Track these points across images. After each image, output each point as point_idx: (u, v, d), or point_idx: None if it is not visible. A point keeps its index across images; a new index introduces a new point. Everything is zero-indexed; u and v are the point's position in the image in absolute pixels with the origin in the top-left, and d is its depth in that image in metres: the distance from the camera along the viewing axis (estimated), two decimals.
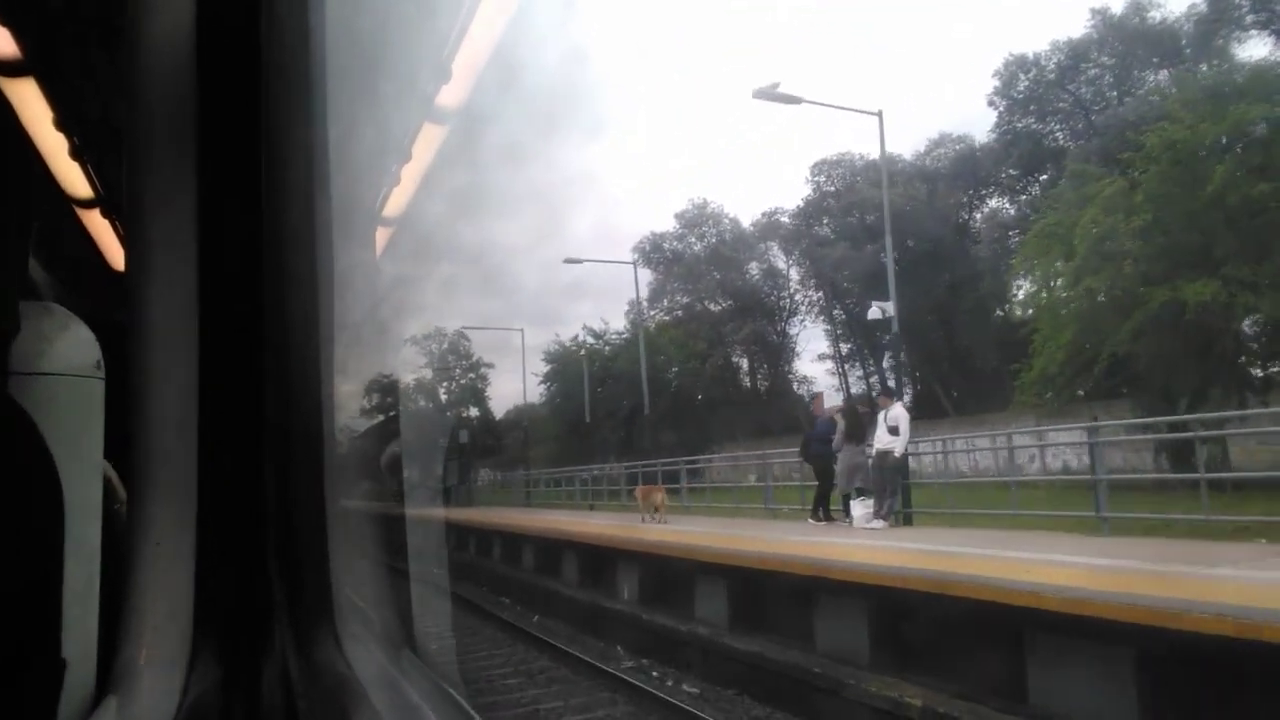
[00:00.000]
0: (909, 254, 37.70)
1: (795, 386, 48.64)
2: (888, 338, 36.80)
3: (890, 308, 16.86)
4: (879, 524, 11.52)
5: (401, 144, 3.07)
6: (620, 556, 11.82)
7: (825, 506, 13.38)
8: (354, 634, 1.41)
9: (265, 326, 1.26)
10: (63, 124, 3.03)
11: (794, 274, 47.78)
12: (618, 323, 46.65)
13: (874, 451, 11.88)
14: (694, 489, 23.89)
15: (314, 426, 1.36)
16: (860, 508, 12.03)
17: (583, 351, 44.69)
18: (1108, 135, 27.86)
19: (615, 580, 11.84)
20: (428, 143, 3.14)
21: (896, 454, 11.78)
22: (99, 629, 1.14)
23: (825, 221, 43.46)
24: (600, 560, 12.52)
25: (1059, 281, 20.65)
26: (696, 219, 49.17)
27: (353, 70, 1.77)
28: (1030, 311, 24.72)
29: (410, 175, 3.19)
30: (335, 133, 1.39)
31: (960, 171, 39.22)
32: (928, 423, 28.37)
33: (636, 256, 47.02)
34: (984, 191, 40.25)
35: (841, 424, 13.03)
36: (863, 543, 9.85)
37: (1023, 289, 27.89)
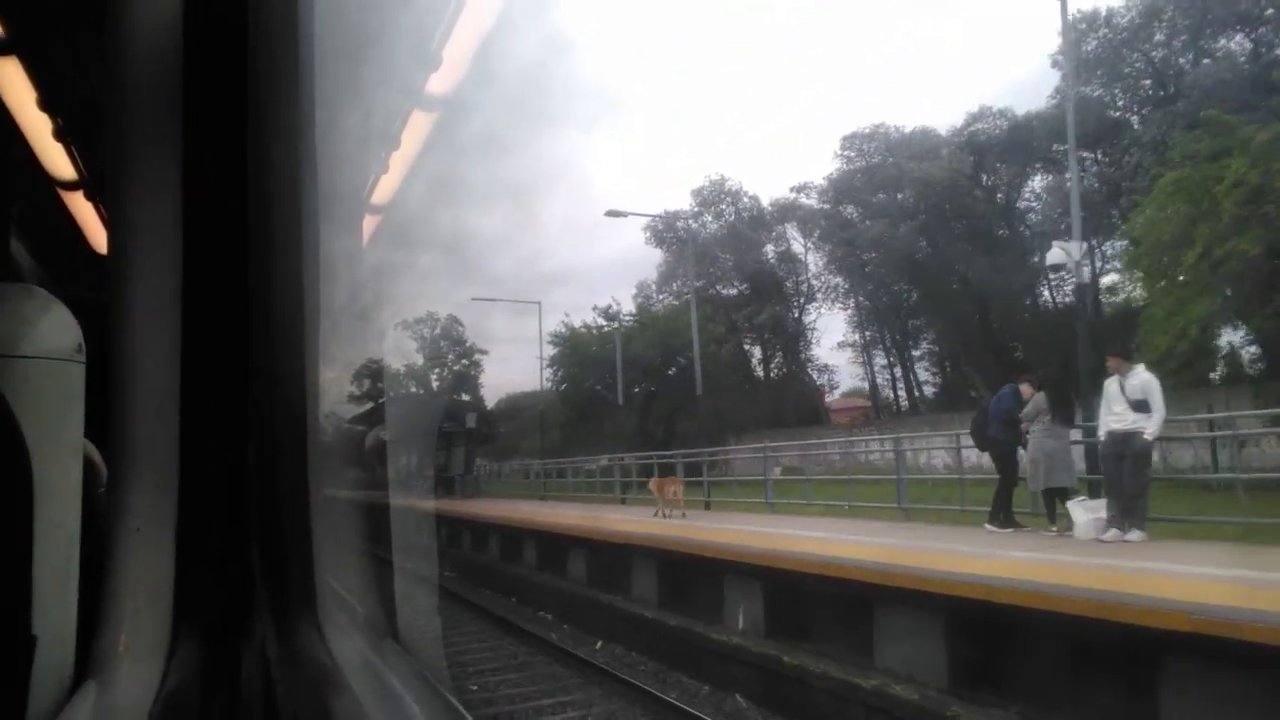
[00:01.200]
0: (948, 233, 35.53)
1: (817, 376, 46.28)
2: (913, 328, 36.80)
3: (1075, 250, 13.96)
4: (1119, 535, 8.31)
5: (390, 131, 3.06)
6: (735, 571, 8.77)
7: (1008, 509, 10.05)
8: (337, 622, 1.40)
9: (250, 311, 1.25)
10: (46, 105, 2.99)
11: (812, 257, 45.29)
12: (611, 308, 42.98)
13: (1104, 434, 8.68)
14: (716, 482, 20.93)
15: (298, 413, 1.36)
16: (1084, 512, 8.78)
17: (617, 324, 40.31)
18: (1193, 97, 25.65)
19: (722, 603, 8.95)
20: (416, 130, 3.12)
21: (1148, 436, 8.42)
22: (79, 614, 1.13)
23: (861, 198, 39.78)
24: (691, 572, 9.72)
25: (1192, 249, 17.02)
26: (714, 196, 46.11)
27: (341, 55, 1.76)
28: (1131, 287, 22.26)
29: (399, 162, 3.17)
30: (322, 118, 1.38)
31: (1013, 143, 34.77)
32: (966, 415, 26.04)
33: (648, 236, 45.72)
34: (1036, 165, 36.15)
35: (1037, 398, 9.61)
36: (1151, 568, 6.70)
37: (1115, 264, 26.49)
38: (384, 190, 3.22)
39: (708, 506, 17.33)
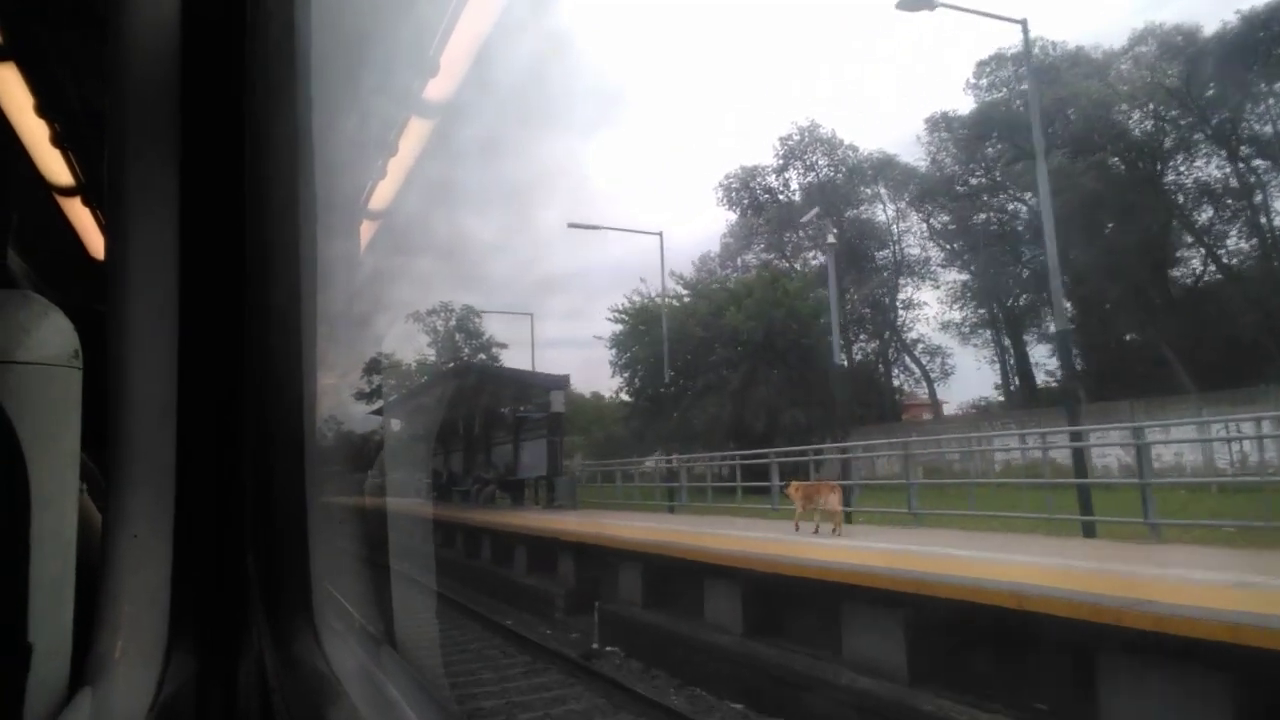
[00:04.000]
0: (1114, 177, 27.98)
1: (926, 361, 38.49)
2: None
3: None
4: None
5: (388, 137, 3.06)
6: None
7: None
8: (334, 629, 1.40)
9: (247, 317, 1.25)
10: (44, 111, 3.00)
11: (898, 225, 38.04)
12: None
13: None
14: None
15: (295, 419, 1.36)
16: None
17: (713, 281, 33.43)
18: None
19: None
20: (414, 137, 3.12)
21: None
22: (75, 621, 1.13)
23: (1013, 134, 30.33)
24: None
25: None
26: (803, 146, 38.56)
27: (339, 62, 1.76)
28: None
29: (396, 168, 3.18)
30: (320, 124, 1.39)
31: (1242, 45, 25.38)
32: (1161, 400, 22.01)
33: (720, 195, 39.56)
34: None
35: None
36: None
37: None
38: (381, 196, 3.23)
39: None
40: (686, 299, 33.89)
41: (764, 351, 29.68)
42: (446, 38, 2.77)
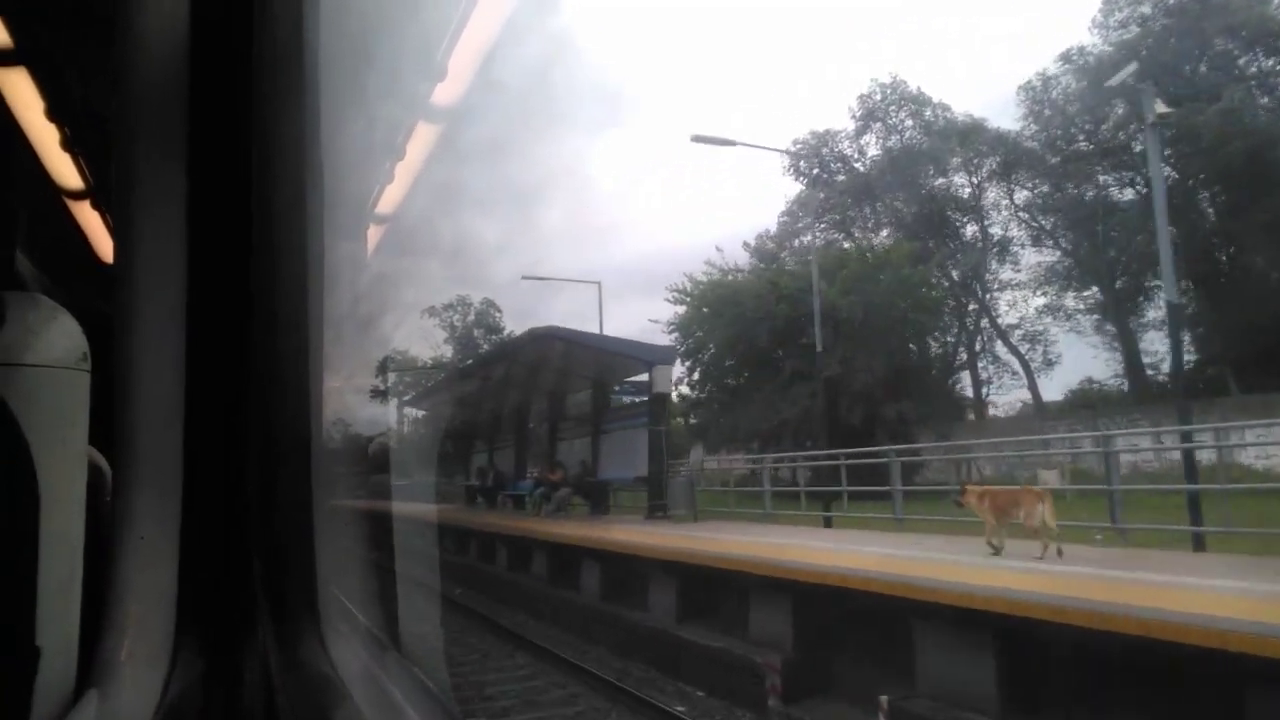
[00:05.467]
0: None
1: (1026, 350, 32.93)
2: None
3: None
4: None
5: (395, 141, 3.07)
6: None
7: None
8: (339, 632, 1.40)
9: (253, 321, 1.26)
10: (54, 114, 3.01)
11: (980, 196, 32.89)
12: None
13: None
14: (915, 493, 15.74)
15: (301, 421, 1.36)
16: None
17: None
18: None
19: None
20: (421, 140, 3.13)
21: None
22: (82, 622, 1.13)
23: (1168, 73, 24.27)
24: None
25: None
26: (885, 106, 33.64)
27: (346, 66, 1.77)
28: None
29: (403, 171, 3.19)
30: (327, 128, 1.39)
31: None
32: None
33: (786, 164, 34.05)
34: None
35: None
36: None
37: None
38: (389, 199, 3.24)
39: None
40: (763, 273, 29.21)
41: (862, 333, 25.36)
42: (455, 41, 2.78)
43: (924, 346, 29.90)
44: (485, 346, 44.05)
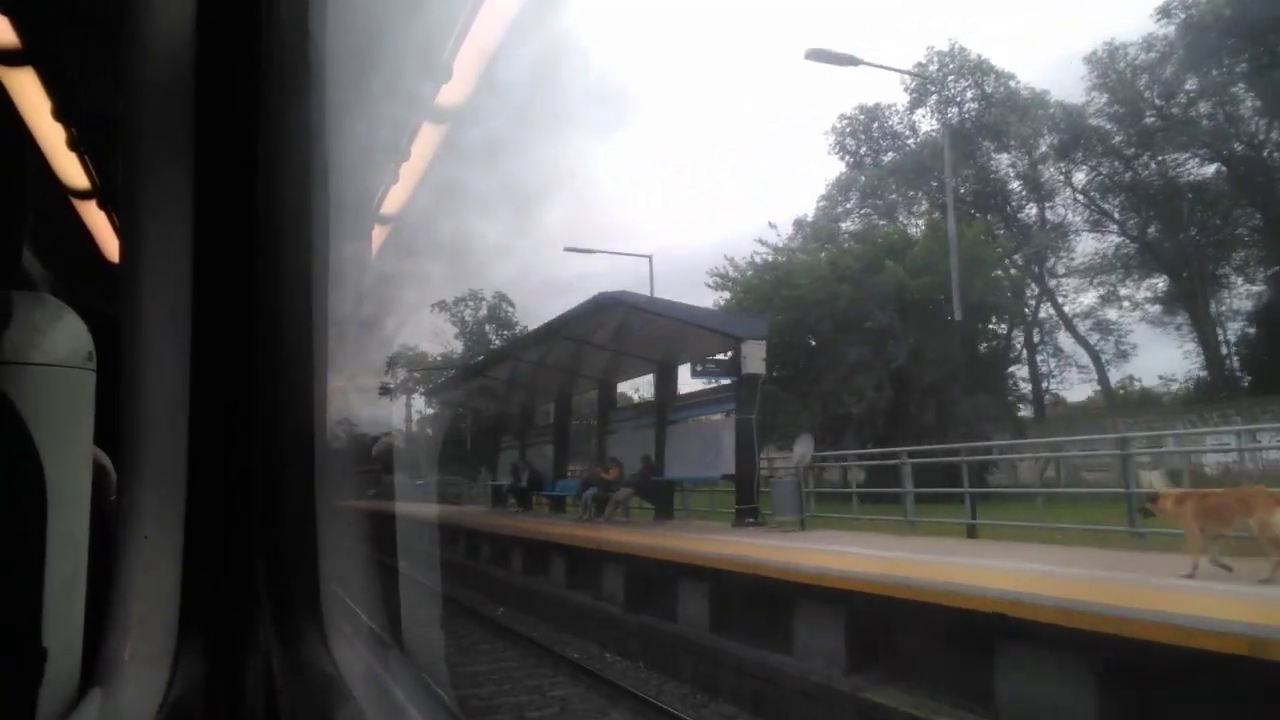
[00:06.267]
0: None
1: (1095, 341, 30.30)
2: None
3: None
4: None
5: (400, 142, 3.08)
6: None
7: None
8: (342, 632, 1.41)
9: (259, 321, 1.26)
10: (61, 115, 3.03)
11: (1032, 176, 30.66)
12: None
13: None
14: (988, 495, 14.26)
15: (306, 422, 1.36)
16: None
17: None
18: None
19: None
20: (427, 141, 3.14)
21: None
22: (86, 621, 1.13)
23: None
24: None
25: None
26: (943, 74, 30.95)
27: (353, 67, 1.77)
28: None
29: (409, 173, 3.19)
30: (333, 129, 1.39)
31: None
32: None
33: (832, 142, 33.34)
34: None
35: None
36: None
37: None
38: (394, 200, 3.24)
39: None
40: (819, 255, 25.97)
41: (933, 318, 22.85)
42: (460, 42, 2.78)
43: (993, 335, 26.90)
44: (496, 341, 43.17)
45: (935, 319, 22.77)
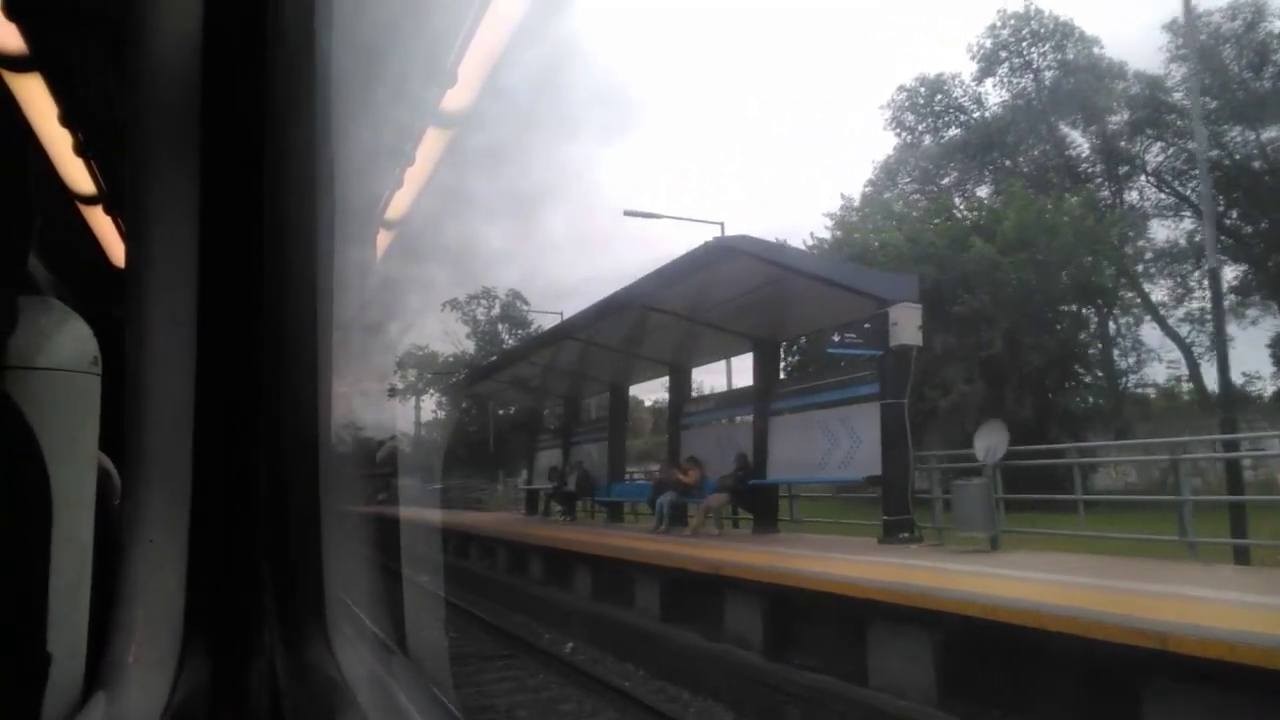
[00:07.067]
0: None
1: (1187, 334, 26.87)
2: None
3: None
4: None
5: (405, 147, 3.08)
6: None
7: None
8: (346, 636, 1.41)
9: (264, 326, 1.26)
10: (67, 120, 3.04)
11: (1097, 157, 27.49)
12: None
13: None
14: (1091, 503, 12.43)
15: (311, 426, 1.36)
16: None
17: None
18: None
19: None
20: (432, 146, 3.15)
21: None
22: (90, 625, 1.13)
23: None
24: None
25: None
26: (1018, 41, 27.64)
27: (359, 73, 1.78)
28: None
29: (414, 177, 3.20)
30: (339, 134, 1.40)
31: None
32: None
33: (888, 118, 30.34)
34: None
35: None
36: None
37: None
38: (399, 205, 3.25)
39: None
40: (894, 233, 22.73)
41: (1031, 302, 20.18)
42: (465, 47, 2.79)
43: (1086, 321, 23.27)
44: (510, 341, 41.95)
45: (1032, 302, 20.03)
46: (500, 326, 45.50)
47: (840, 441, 11.16)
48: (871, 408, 10.65)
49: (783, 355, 14.07)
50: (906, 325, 10.32)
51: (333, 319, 1.40)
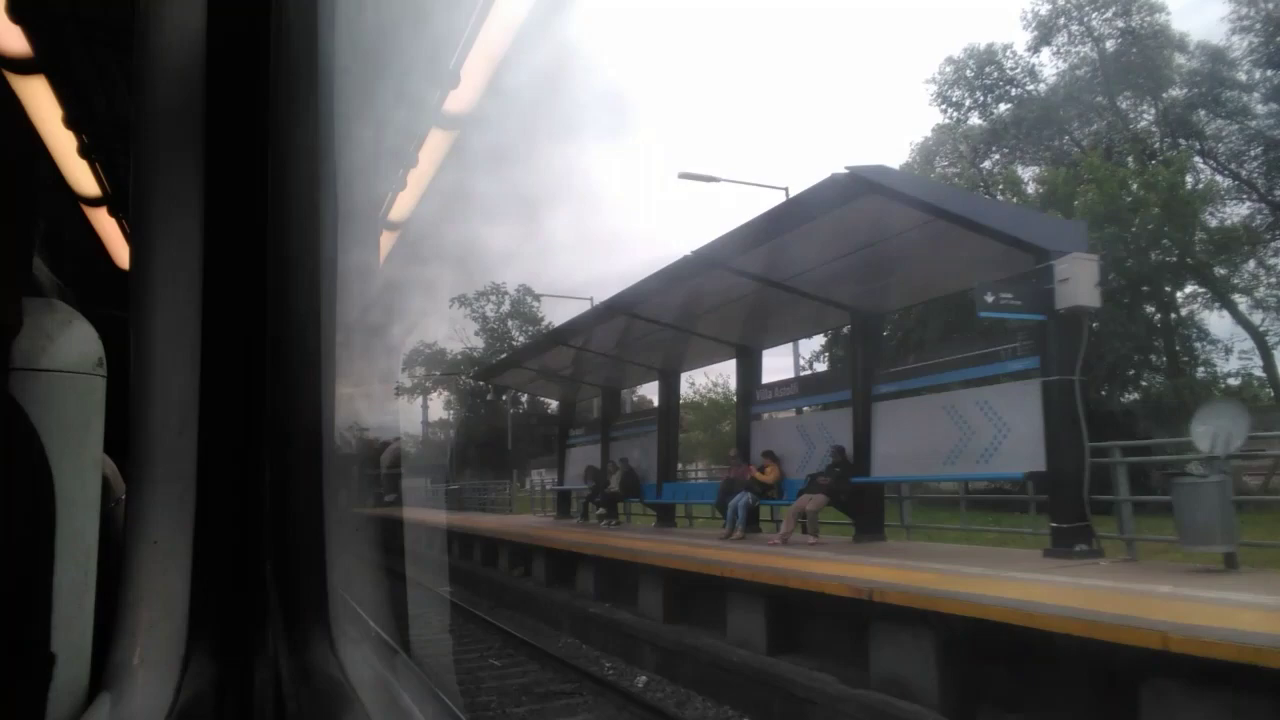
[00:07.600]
0: None
1: (1261, 322, 22.61)
2: None
3: None
4: None
5: (408, 149, 3.09)
6: None
7: None
8: (349, 636, 1.41)
9: (268, 328, 1.26)
10: (72, 123, 3.05)
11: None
12: None
13: None
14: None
15: (315, 427, 1.36)
16: None
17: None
18: None
19: None
20: (434, 147, 3.15)
21: None
22: (95, 626, 1.14)
23: None
24: None
25: None
26: (1073, 8, 25.17)
27: (361, 75, 1.78)
28: None
29: (416, 178, 3.20)
30: (342, 136, 1.40)
31: None
32: None
33: (934, 93, 27.68)
34: None
35: None
36: None
37: None
38: (402, 206, 3.25)
39: None
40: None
41: (1115, 284, 17.38)
42: (468, 49, 2.79)
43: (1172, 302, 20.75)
44: (520, 338, 41.12)
45: (1118, 284, 17.40)
46: (510, 323, 44.86)
47: (978, 430, 8.85)
48: (1026, 387, 8.39)
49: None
50: (1080, 282, 7.95)
51: (336, 320, 1.40)
